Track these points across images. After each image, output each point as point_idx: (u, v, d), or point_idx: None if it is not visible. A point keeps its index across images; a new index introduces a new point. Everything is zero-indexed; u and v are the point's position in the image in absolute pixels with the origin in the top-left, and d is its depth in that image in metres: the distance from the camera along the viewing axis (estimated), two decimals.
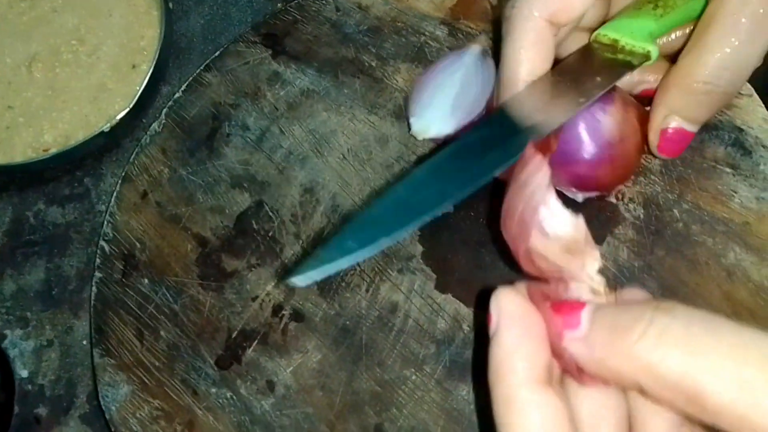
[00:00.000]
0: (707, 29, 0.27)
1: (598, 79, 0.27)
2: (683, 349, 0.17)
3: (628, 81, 0.31)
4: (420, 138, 0.36)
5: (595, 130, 0.29)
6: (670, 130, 0.29)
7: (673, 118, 0.29)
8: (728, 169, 0.32)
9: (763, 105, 0.33)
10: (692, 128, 0.29)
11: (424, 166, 0.25)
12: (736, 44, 0.27)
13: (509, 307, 0.20)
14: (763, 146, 0.32)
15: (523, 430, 0.19)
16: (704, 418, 0.17)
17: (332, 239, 0.23)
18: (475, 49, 0.36)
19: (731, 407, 0.16)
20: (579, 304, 0.19)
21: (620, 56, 0.29)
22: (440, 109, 0.35)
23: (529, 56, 0.28)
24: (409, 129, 0.36)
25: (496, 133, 0.26)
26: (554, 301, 0.20)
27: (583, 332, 0.19)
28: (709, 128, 0.33)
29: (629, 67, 0.28)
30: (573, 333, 0.19)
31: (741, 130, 0.33)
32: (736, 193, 0.32)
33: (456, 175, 0.25)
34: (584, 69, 0.28)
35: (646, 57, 0.28)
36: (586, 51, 0.30)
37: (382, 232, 0.23)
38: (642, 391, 0.18)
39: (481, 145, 0.25)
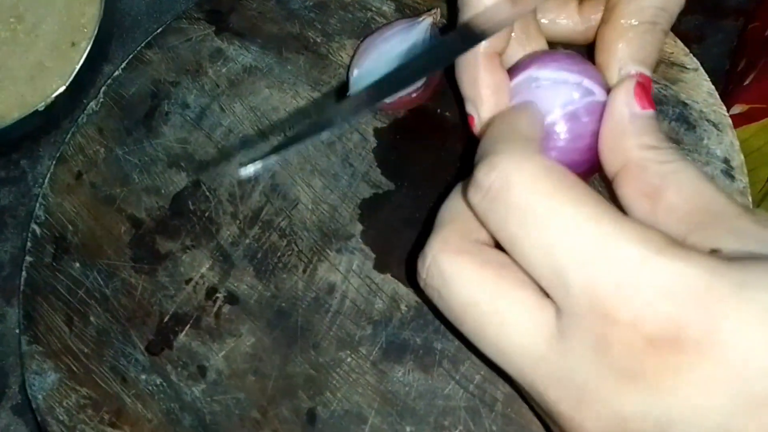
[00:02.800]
0: None
1: None
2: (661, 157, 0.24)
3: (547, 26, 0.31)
4: None
5: (594, 113, 0.27)
6: (633, 76, 0.27)
7: (628, 65, 0.28)
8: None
9: (708, 79, 0.33)
10: (649, 72, 0.28)
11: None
12: None
13: None
14: (707, 120, 0.32)
15: None
16: (647, 216, 0.23)
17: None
18: (426, 22, 0.35)
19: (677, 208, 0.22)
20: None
21: None
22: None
23: None
24: (347, 90, 0.35)
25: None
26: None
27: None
28: (654, 103, 0.33)
29: None
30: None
31: (685, 104, 0.32)
32: None
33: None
34: None
35: None
36: None
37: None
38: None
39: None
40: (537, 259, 0.19)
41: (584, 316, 0.18)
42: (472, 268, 0.21)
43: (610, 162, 0.25)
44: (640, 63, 0.28)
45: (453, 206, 0.24)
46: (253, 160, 0.22)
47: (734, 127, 0.31)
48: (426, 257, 0.22)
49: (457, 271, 0.21)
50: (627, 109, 0.25)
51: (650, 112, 0.26)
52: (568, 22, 0.30)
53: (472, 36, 0.25)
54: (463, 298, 0.21)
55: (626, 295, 0.18)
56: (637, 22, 0.27)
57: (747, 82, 0.44)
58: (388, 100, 0.34)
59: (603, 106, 0.27)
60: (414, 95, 0.34)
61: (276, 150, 0.23)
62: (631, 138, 0.24)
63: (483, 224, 0.22)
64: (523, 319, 0.20)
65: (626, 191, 0.24)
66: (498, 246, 0.22)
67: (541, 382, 0.19)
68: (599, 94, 0.27)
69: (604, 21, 0.29)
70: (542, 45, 0.30)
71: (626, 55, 0.28)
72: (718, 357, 0.17)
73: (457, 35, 0.26)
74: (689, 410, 0.17)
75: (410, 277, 0.32)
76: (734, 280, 0.17)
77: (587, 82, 0.27)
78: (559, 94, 0.27)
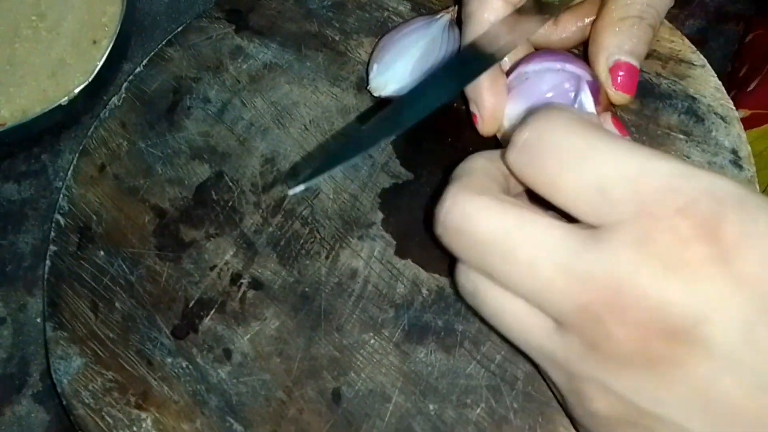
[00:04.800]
0: None
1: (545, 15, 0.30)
2: None
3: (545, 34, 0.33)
4: (376, 94, 0.36)
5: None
6: (618, 64, 0.30)
7: (614, 54, 0.30)
8: (681, 136, 0.33)
9: (715, 75, 0.34)
10: (635, 62, 0.30)
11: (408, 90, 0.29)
12: None
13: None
14: (715, 113, 0.33)
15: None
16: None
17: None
18: (444, 19, 0.36)
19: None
20: None
21: None
22: (401, 69, 0.35)
23: None
24: (367, 84, 0.36)
25: (466, 56, 0.30)
26: None
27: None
28: (663, 97, 0.34)
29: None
30: None
31: (694, 98, 0.34)
32: (689, 158, 0.32)
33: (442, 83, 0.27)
34: (527, 10, 0.30)
35: None
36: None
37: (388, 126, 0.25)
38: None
39: (454, 65, 0.29)
40: (579, 187, 0.20)
41: (628, 220, 0.19)
42: (494, 203, 0.21)
43: None
44: (626, 53, 0.30)
45: (468, 165, 0.25)
46: (300, 182, 0.24)
47: None
48: (444, 200, 0.23)
49: (478, 206, 0.21)
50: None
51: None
52: (545, 32, 0.33)
53: (485, 59, 0.28)
54: (489, 230, 0.21)
55: (670, 196, 0.19)
56: (625, 16, 0.30)
57: (750, 88, 0.46)
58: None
59: (588, 82, 0.30)
60: None
61: (319, 172, 0.25)
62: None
63: (520, 179, 0.22)
64: (554, 235, 0.20)
65: None
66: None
67: (575, 289, 0.19)
68: (582, 74, 0.30)
69: (596, 17, 0.32)
70: (530, 49, 0.34)
71: (613, 44, 0.30)
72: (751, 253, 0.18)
73: (471, 58, 0.29)
74: (728, 299, 0.18)
75: (430, 263, 0.33)
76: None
77: (569, 66, 0.30)
78: (544, 80, 0.30)
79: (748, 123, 0.44)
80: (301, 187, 0.24)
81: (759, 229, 0.18)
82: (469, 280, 0.23)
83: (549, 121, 0.21)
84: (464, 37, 0.32)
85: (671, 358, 0.19)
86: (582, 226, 0.21)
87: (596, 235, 0.20)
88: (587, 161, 0.20)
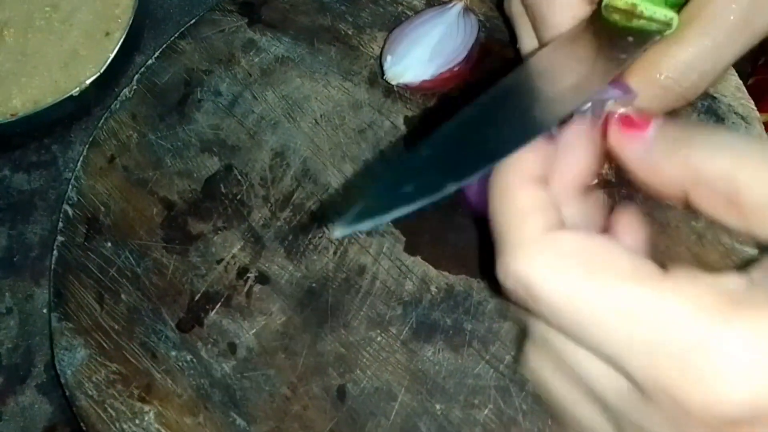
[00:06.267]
0: (688, 23, 0.26)
1: (622, 56, 0.25)
2: (730, 153, 0.20)
3: None
4: (394, 83, 0.36)
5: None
6: (616, 115, 0.25)
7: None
8: None
9: (735, 74, 0.33)
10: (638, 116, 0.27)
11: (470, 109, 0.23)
12: (710, 46, 0.26)
13: None
14: (735, 113, 0.32)
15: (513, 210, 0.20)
16: (739, 222, 0.20)
17: (381, 183, 0.21)
18: (457, 7, 0.36)
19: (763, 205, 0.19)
20: (648, 117, 0.22)
21: (636, 23, 0.26)
22: (418, 56, 0.35)
23: None
24: (382, 75, 0.36)
25: (519, 105, 0.24)
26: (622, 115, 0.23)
27: (648, 141, 0.21)
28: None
29: (648, 37, 0.26)
30: (638, 142, 0.22)
31: (714, 98, 0.33)
32: None
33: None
34: (599, 41, 0.26)
35: (667, 25, 0.26)
36: (596, 19, 0.27)
37: (448, 177, 0.20)
38: (682, 199, 0.21)
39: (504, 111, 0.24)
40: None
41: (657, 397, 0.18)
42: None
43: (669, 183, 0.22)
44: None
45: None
46: (342, 224, 0.21)
47: None
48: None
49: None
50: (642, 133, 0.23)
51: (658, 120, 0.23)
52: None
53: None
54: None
55: (694, 379, 0.17)
56: (663, 74, 0.26)
57: None
58: (429, 79, 0.35)
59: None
60: (456, 69, 0.35)
61: (362, 218, 0.21)
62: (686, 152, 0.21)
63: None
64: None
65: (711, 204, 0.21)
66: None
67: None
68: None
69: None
70: None
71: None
72: None
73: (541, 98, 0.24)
74: None
75: (439, 260, 0.32)
76: None
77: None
78: None
79: None
80: (341, 231, 0.20)
81: None
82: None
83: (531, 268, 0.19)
84: (529, 55, 0.27)
85: None
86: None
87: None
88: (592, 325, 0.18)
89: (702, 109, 0.33)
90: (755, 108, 0.32)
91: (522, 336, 0.23)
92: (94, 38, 0.45)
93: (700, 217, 0.30)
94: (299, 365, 0.32)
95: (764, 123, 0.44)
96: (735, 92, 0.33)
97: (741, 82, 0.33)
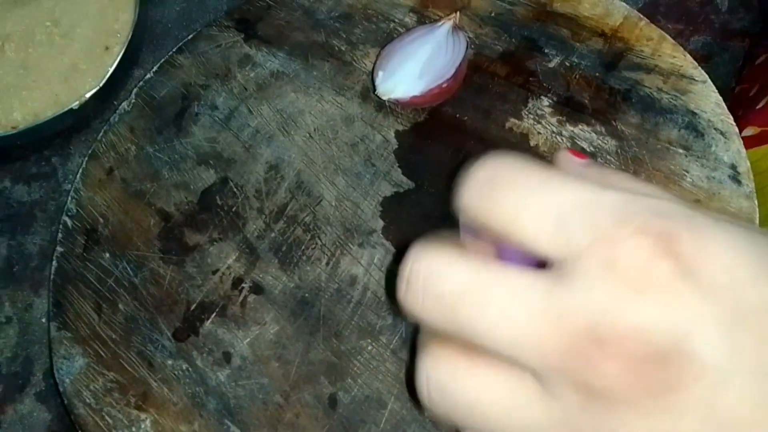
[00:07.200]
0: None
1: None
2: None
3: None
4: (385, 98, 0.37)
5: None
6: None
7: None
8: (681, 150, 0.33)
9: (716, 91, 0.34)
10: None
11: None
12: None
13: None
14: (715, 129, 0.33)
15: None
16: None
17: None
18: (446, 25, 0.37)
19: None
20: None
21: None
22: (409, 72, 0.36)
23: None
24: (374, 90, 0.37)
25: None
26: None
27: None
28: (664, 112, 0.34)
29: None
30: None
31: (694, 113, 0.34)
32: (687, 172, 0.33)
33: None
34: None
35: None
36: None
37: None
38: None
39: None
40: (538, 219, 0.20)
41: (589, 248, 0.19)
42: (460, 256, 0.20)
43: None
44: None
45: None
46: None
47: (745, 148, 0.33)
48: (407, 260, 0.21)
49: (444, 261, 0.20)
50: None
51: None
52: None
53: None
54: (457, 283, 0.20)
55: (625, 218, 0.19)
56: None
57: (760, 105, 0.46)
58: (419, 94, 0.36)
59: None
60: (444, 85, 0.36)
61: None
62: None
63: (474, 220, 0.21)
64: (525, 279, 0.19)
65: None
66: None
67: (554, 332, 0.19)
68: None
69: None
70: None
71: None
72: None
73: None
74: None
75: None
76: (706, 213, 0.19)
77: None
78: None
79: (758, 140, 0.44)
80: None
81: (711, 240, 0.18)
82: (439, 366, 0.21)
83: (500, 160, 0.21)
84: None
85: (668, 383, 0.18)
86: (550, 269, 0.20)
87: (562, 271, 0.19)
88: (543, 193, 0.20)
89: (683, 124, 0.34)
90: (734, 123, 0.33)
91: None
92: (94, 53, 0.46)
93: None
94: (292, 374, 0.32)
95: (754, 136, 0.45)
96: (715, 108, 0.34)
97: (721, 98, 0.34)
